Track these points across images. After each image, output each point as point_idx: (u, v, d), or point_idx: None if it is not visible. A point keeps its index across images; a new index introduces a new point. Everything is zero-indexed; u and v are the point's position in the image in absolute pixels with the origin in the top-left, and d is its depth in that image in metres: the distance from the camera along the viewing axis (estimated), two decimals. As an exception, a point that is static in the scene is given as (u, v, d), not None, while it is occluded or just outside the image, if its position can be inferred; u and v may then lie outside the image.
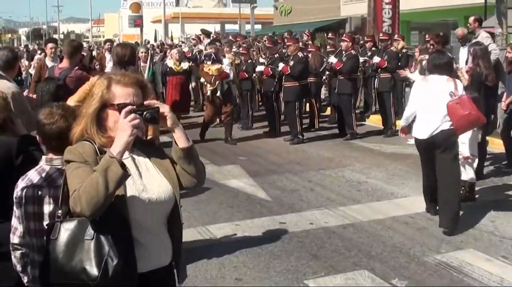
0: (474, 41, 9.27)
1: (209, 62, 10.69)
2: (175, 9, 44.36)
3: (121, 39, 46.98)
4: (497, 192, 7.33)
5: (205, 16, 46.97)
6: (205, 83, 11.05)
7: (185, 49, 15.81)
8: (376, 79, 11.76)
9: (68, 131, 2.54)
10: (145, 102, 2.34)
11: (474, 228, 5.98)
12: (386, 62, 11.42)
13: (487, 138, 8.14)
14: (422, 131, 6.02)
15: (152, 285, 2.39)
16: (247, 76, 12.25)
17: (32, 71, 10.76)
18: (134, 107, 2.28)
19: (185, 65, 11.64)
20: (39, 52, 13.70)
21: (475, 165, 7.01)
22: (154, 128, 2.69)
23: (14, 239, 2.81)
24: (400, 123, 6.60)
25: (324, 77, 12.37)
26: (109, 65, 12.29)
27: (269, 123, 11.83)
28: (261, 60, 12.57)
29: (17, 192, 2.79)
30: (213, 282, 4.80)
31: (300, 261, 5.18)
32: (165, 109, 2.34)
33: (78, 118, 2.43)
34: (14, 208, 2.81)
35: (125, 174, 2.16)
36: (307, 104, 12.69)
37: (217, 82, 10.57)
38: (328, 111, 13.43)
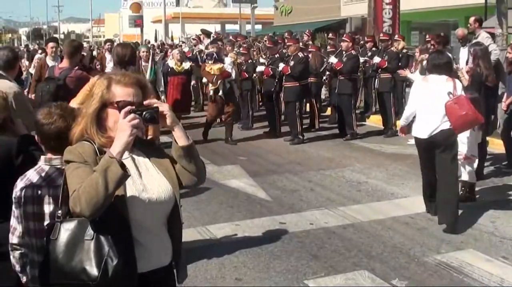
0: (474, 41, 9.27)
1: (211, 62, 10.69)
2: (176, 9, 44.36)
3: (122, 39, 46.96)
4: (497, 193, 7.33)
5: (206, 16, 46.94)
6: (207, 82, 11.04)
7: (185, 49, 15.82)
8: (377, 79, 11.75)
9: (66, 131, 2.53)
10: (145, 102, 2.34)
11: (474, 228, 5.98)
12: (386, 62, 11.42)
13: (488, 138, 8.15)
14: (422, 130, 6.04)
15: (152, 285, 2.39)
16: (247, 76, 12.26)
17: (32, 71, 10.75)
18: (134, 107, 2.28)
19: (186, 65, 11.64)
20: (39, 51, 13.68)
21: (475, 165, 7.02)
22: (154, 128, 2.69)
23: (13, 239, 2.81)
24: (400, 123, 6.62)
25: (324, 77, 12.36)
26: (109, 65, 12.29)
27: (269, 123, 11.83)
28: (262, 60, 12.57)
29: (16, 192, 2.78)
30: (213, 282, 4.80)
31: (300, 261, 5.18)
32: (164, 107, 2.34)
33: (78, 118, 2.43)
34: (13, 208, 2.80)
35: (125, 175, 2.16)
36: (308, 104, 12.70)
37: (219, 82, 10.57)
38: (329, 111, 13.43)
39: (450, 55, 7.00)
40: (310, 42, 14.15)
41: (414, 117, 6.24)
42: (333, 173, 8.43)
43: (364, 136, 11.31)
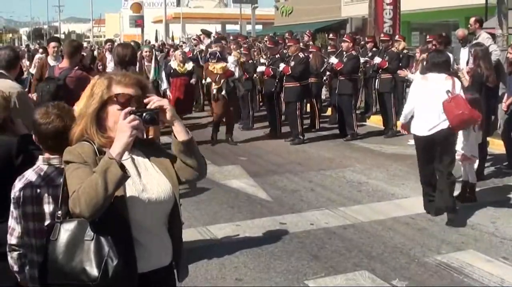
0: (474, 42, 9.27)
1: (214, 61, 10.68)
2: (176, 9, 44.39)
3: (122, 39, 46.96)
4: (498, 193, 7.32)
5: (206, 16, 46.94)
6: (210, 82, 11.02)
7: (186, 49, 15.83)
8: (377, 80, 11.75)
9: (64, 130, 2.53)
10: (145, 100, 2.34)
11: (474, 229, 5.98)
12: (387, 62, 11.42)
13: (488, 139, 8.14)
14: (421, 128, 6.14)
15: (152, 285, 2.39)
16: (248, 76, 12.25)
17: (33, 71, 10.74)
18: (134, 108, 2.28)
19: (189, 66, 11.64)
20: (40, 51, 13.67)
21: (475, 166, 7.03)
22: (154, 129, 2.68)
23: (12, 239, 2.78)
24: (400, 120, 6.69)
25: (324, 78, 12.36)
26: (110, 65, 12.29)
27: (270, 123, 11.83)
28: (262, 60, 12.57)
29: (14, 192, 2.76)
30: (214, 282, 4.80)
31: (301, 261, 5.18)
32: (164, 102, 2.33)
33: (78, 118, 2.43)
34: (11, 208, 2.78)
35: (124, 176, 2.16)
36: (308, 105, 12.70)
37: (222, 81, 10.56)
38: (329, 111, 13.43)
39: (450, 54, 7.03)
40: (311, 43, 14.14)
41: (413, 114, 6.29)
42: (334, 174, 8.43)
43: (365, 136, 11.31)
